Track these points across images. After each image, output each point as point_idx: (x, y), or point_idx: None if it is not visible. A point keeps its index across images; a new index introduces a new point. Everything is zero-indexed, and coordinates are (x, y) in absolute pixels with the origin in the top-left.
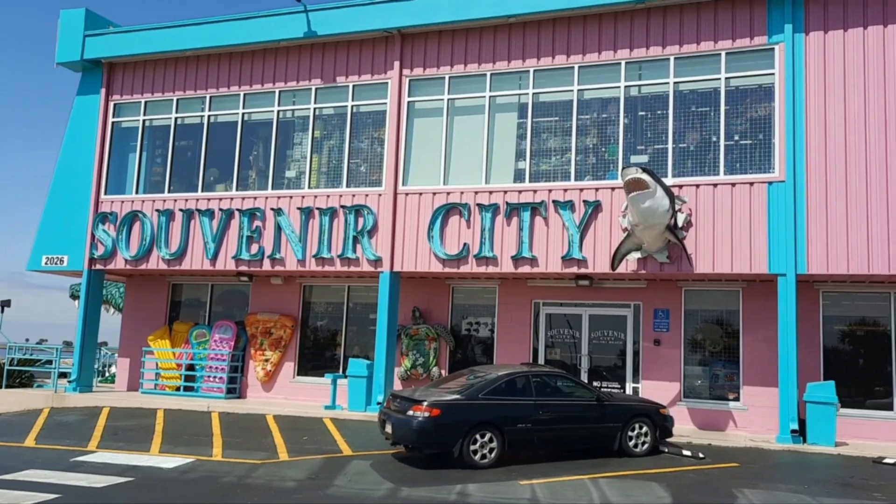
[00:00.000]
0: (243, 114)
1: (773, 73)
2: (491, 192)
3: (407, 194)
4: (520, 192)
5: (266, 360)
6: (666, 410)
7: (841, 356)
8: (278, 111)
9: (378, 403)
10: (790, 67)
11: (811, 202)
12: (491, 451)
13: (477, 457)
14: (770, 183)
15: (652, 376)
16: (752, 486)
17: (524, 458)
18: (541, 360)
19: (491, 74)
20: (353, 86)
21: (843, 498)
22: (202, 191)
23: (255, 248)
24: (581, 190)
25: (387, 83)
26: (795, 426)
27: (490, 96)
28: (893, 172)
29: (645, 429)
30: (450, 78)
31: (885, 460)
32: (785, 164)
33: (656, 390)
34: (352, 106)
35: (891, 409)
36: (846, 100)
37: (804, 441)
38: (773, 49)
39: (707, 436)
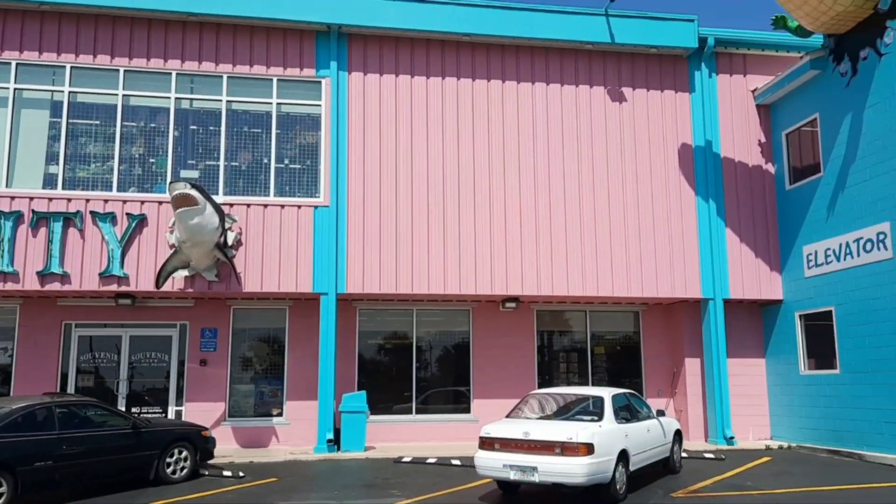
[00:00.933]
0: None
1: (320, 105)
2: (13, 198)
3: None
4: (50, 199)
5: None
6: (208, 432)
7: (376, 367)
8: None
9: None
10: (335, 101)
11: (351, 227)
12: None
13: None
14: (316, 207)
15: (197, 398)
16: (288, 499)
17: (45, 500)
18: (71, 389)
19: (17, 64)
20: None
21: (367, 498)
22: None
23: None
24: (125, 202)
25: None
26: (331, 436)
27: (16, 88)
28: (417, 200)
29: (185, 453)
30: None
31: (403, 459)
32: (329, 190)
33: (201, 412)
34: None
35: (411, 412)
36: (381, 134)
37: (339, 449)
38: (320, 82)
39: (250, 453)
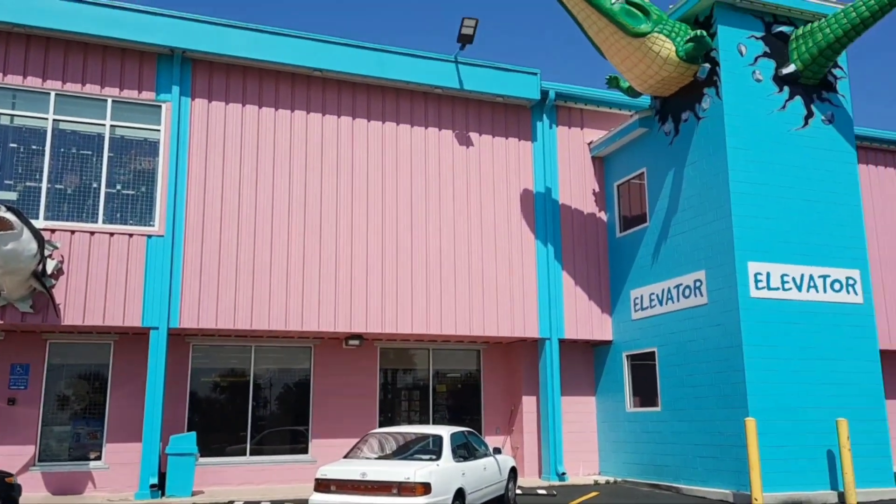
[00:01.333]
0: None
1: (159, 130)
2: None
3: None
4: None
5: None
6: (13, 479)
7: (210, 406)
8: None
9: None
10: (176, 127)
11: (187, 258)
12: None
13: None
14: (150, 236)
15: (3, 440)
16: None
17: None
18: None
19: None
20: None
21: None
22: None
23: None
24: None
25: None
26: (155, 480)
27: None
28: (260, 233)
29: None
30: None
31: (235, 503)
32: (165, 219)
33: (7, 456)
34: None
35: (246, 454)
36: (225, 164)
37: (163, 495)
38: (160, 106)
39: (63, 501)
